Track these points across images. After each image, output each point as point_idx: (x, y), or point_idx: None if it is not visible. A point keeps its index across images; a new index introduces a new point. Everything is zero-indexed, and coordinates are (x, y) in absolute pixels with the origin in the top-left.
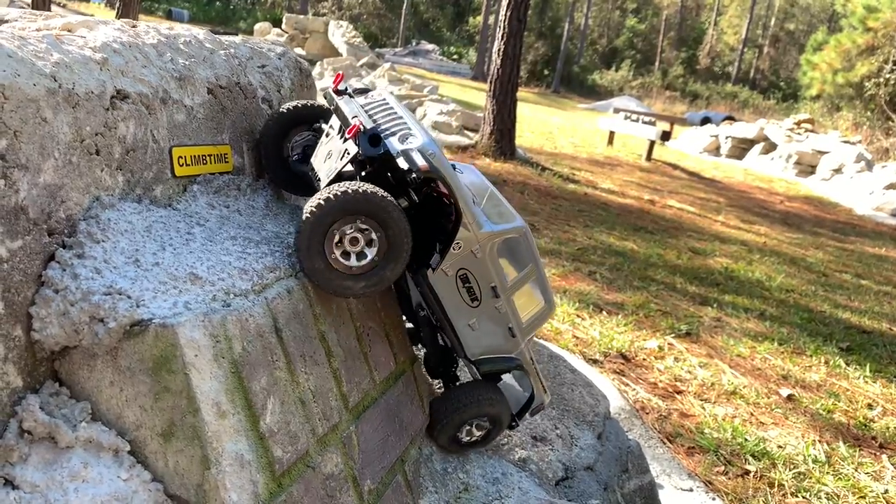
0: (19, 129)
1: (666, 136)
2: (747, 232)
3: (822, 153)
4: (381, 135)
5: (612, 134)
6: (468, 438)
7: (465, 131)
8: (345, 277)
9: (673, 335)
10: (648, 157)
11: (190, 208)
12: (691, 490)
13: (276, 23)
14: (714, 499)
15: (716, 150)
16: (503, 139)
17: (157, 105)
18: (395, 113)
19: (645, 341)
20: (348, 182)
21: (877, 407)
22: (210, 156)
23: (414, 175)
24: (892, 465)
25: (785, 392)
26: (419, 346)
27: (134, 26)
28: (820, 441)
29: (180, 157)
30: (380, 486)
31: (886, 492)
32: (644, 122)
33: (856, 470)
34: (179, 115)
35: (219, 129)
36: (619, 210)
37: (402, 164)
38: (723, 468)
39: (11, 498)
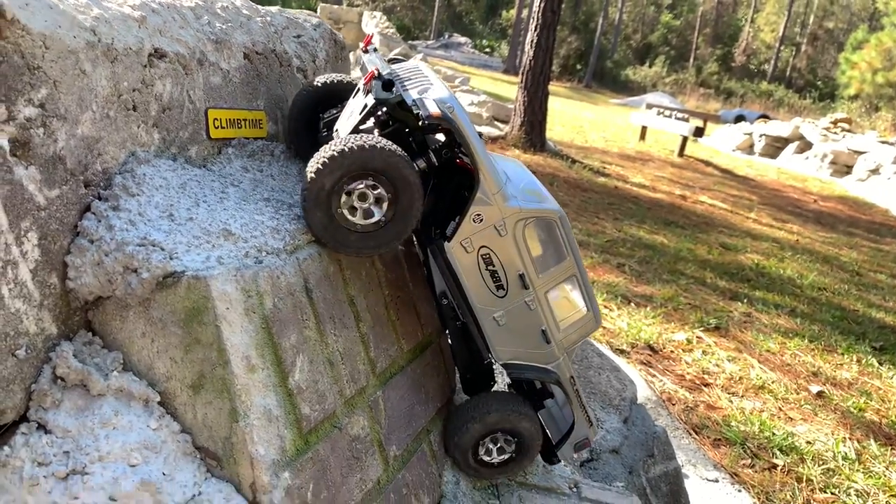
0: (59, 79)
1: (699, 132)
2: (779, 230)
3: (858, 153)
4: (400, 84)
5: (644, 129)
6: (487, 457)
7: (496, 122)
8: (348, 233)
9: (701, 328)
10: (681, 154)
11: (224, 170)
12: (717, 481)
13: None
14: (740, 491)
15: (749, 149)
16: (533, 131)
17: (193, 66)
18: (422, 73)
19: (673, 334)
20: (363, 135)
21: None
22: (245, 120)
23: (426, 121)
24: None
25: (815, 389)
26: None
27: None
28: (850, 438)
29: (216, 119)
30: (405, 454)
31: None
32: (677, 119)
33: (887, 469)
34: (216, 77)
35: (254, 94)
36: (649, 204)
37: (415, 110)
38: (749, 461)
39: (44, 442)
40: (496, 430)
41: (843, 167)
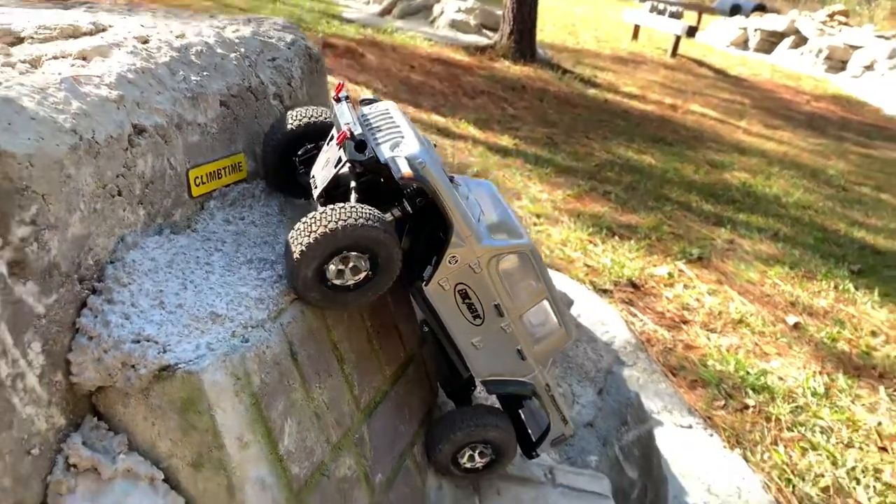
0: (47, 191)
1: (692, 31)
2: (769, 140)
3: (854, 48)
4: (372, 142)
5: (637, 28)
6: (469, 464)
7: (485, 30)
8: (339, 293)
9: (684, 260)
10: (674, 54)
11: (208, 228)
12: (690, 427)
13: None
14: (712, 435)
15: (744, 44)
16: (523, 40)
17: (172, 132)
18: (394, 122)
19: (655, 267)
20: (341, 209)
21: (880, 335)
22: (224, 168)
23: (400, 183)
24: (888, 396)
25: (791, 320)
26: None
27: (146, 42)
28: (821, 372)
29: (196, 177)
30: (391, 475)
31: (879, 424)
32: (671, 14)
33: (852, 402)
34: (194, 136)
35: (232, 139)
36: (639, 118)
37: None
38: (723, 402)
39: None
40: (467, 445)
41: (838, 63)
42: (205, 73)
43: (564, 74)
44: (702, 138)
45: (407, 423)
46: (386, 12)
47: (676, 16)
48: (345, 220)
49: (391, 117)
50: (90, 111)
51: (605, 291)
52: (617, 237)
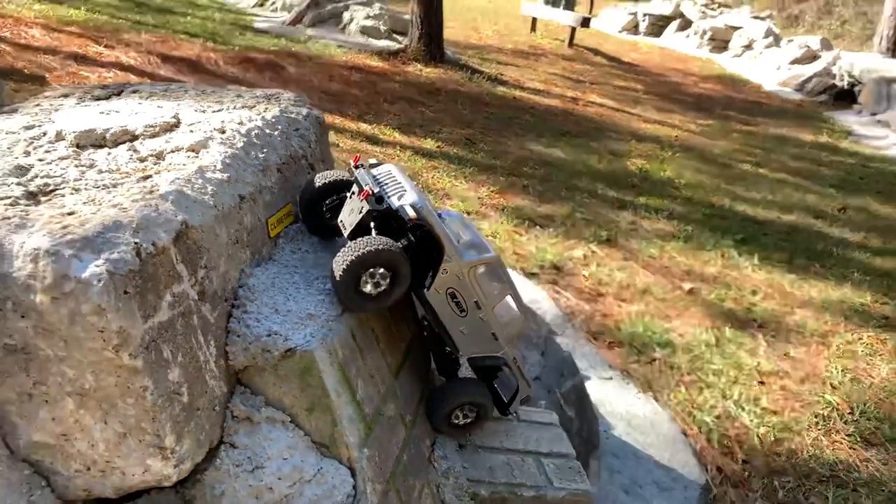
0: (209, 247)
1: (586, 22)
2: (662, 125)
3: (734, 28)
4: (384, 195)
5: (534, 21)
6: (458, 421)
7: (394, 35)
8: (369, 300)
9: (595, 242)
10: (570, 44)
11: (283, 258)
12: (611, 378)
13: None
14: (628, 384)
15: (634, 29)
16: (432, 43)
17: (257, 195)
18: (396, 179)
19: (572, 251)
20: (368, 239)
21: (759, 293)
22: (284, 215)
23: (407, 222)
24: (766, 342)
25: (687, 286)
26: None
27: (223, 132)
28: (712, 327)
29: (271, 223)
30: (413, 417)
31: (758, 364)
32: (565, 7)
33: (737, 349)
34: (267, 195)
35: (284, 194)
36: (545, 114)
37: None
38: (636, 358)
39: (235, 453)
40: (458, 407)
41: (721, 43)
42: (264, 150)
43: (474, 75)
44: (602, 128)
45: (418, 382)
46: (296, 21)
47: (570, 8)
48: (374, 246)
49: (394, 176)
50: (217, 190)
51: (532, 275)
52: (538, 226)
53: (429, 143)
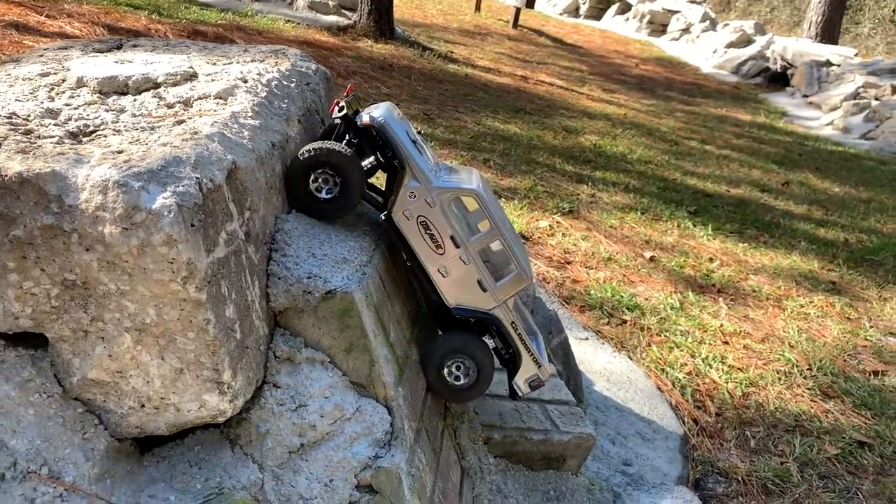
0: (251, 189)
1: (531, 2)
2: (609, 104)
3: (672, 12)
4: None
5: (478, 1)
6: (453, 381)
7: (343, 10)
8: (318, 203)
9: (559, 214)
10: (515, 24)
11: None
12: (587, 339)
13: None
14: (603, 344)
15: (575, 11)
16: (381, 19)
17: (285, 143)
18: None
19: (538, 222)
20: (318, 142)
21: (716, 260)
22: None
23: (360, 126)
24: (726, 305)
25: (648, 255)
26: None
27: (246, 81)
28: (675, 292)
29: None
30: None
31: (721, 325)
32: None
33: (700, 312)
34: (292, 145)
35: (304, 145)
36: (498, 91)
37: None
38: (607, 320)
39: (278, 392)
40: (454, 358)
41: (659, 27)
42: (286, 101)
43: (424, 52)
44: (554, 106)
45: (430, 332)
46: None
47: None
48: (321, 146)
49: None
50: (252, 135)
51: None
52: (503, 199)
53: None
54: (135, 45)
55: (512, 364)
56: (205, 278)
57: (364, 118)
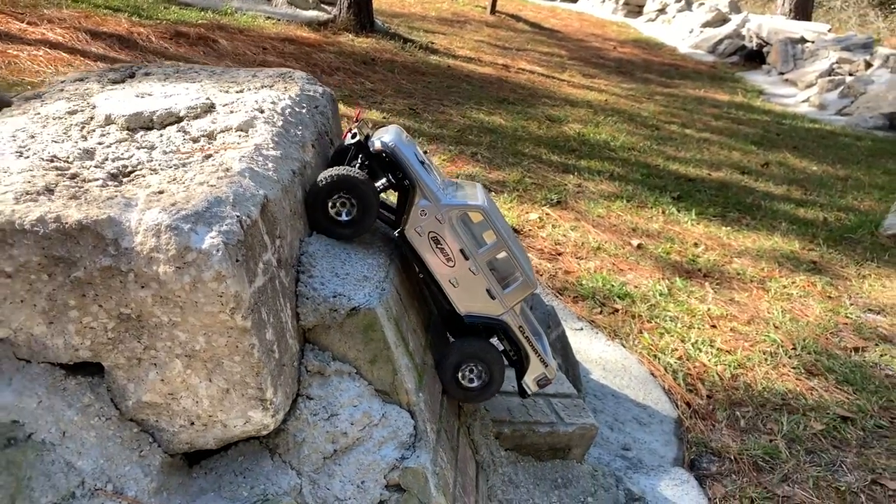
0: (279, 218)
1: None
2: (590, 90)
3: None
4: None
5: None
6: (467, 384)
7: (323, 5)
8: (339, 226)
9: (547, 205)
10: (493, 10)
11: None
12: (581, 329)
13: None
14: (597, 333)
15: None
16: (361, 12)
17: (303, 169)
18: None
19: (528, 214)
20: (332, 168)
21: (701, 245)
22: None
23: (373, 151)
24: (713, 290)
25: (635, 242)
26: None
27: (262, 111)
28: (663, 279)
29: None
30: None
31: (709, 309)
32: None
33: (688, 297)
34: (309, 170)
35: (318, 168)
36: (480, 82)
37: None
38: (599, 309)
39: (311, 403)
40: (470, 359)
41: (635, 8)
42: (300, 128)
43: (406, 44)
44: (536, 95)
45: (443, 337)
46: None
47: None
48: (336, 172)
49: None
50: (276, 166)
51: None
52: (493, 192)
53: (374, 115)
54: (147, 74)
55: (520, 365)
56: (249, 307)
57: (376, 144)
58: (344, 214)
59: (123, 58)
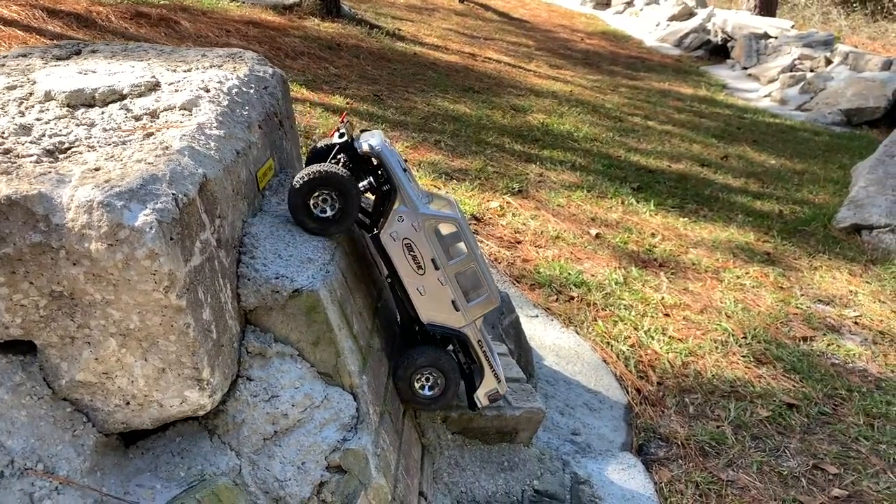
0: (221, 198)
1: None
2: (556, 81)
3: None
4: (357, 139)
5: None
6: (422, 391)
7: None
8: (321, 223)
9: (508, 194)
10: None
11: (272, 208)
12: (537, 316)
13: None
14: (552, 320)
15: None
16: None
17: (248, 150)
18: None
19: (489, 203)
20: (317, 165)
21: (658, 235)
22: (268, 168)
23: (360, 153)
24: (667, 279)
25: (594, 232)
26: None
27: (208, 90)
28: (619, 268)
29: (258, 177)
30: (390, 352)
31: (663, 298)
32: None
33: (643, 286)
34: (255, 150)
35: (265, 148)
36: (447, 70)
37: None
38: (556, 297)
39: (252, 385)
40: (424, 368)
41: (603, 0)
42: (246, 108)
43: (372, 30)
44: (502, 84)
45: (391, 323)
46: None
47: None
48: (321, 169)
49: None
50: (218, 146)
51: None
52: (455, 180)
53: (337, 100)
54: (93, 51)
55: (473, 378)
56: (184, 286)
57: (364, 146)
58: (328, 210)
59: (81, 37)
